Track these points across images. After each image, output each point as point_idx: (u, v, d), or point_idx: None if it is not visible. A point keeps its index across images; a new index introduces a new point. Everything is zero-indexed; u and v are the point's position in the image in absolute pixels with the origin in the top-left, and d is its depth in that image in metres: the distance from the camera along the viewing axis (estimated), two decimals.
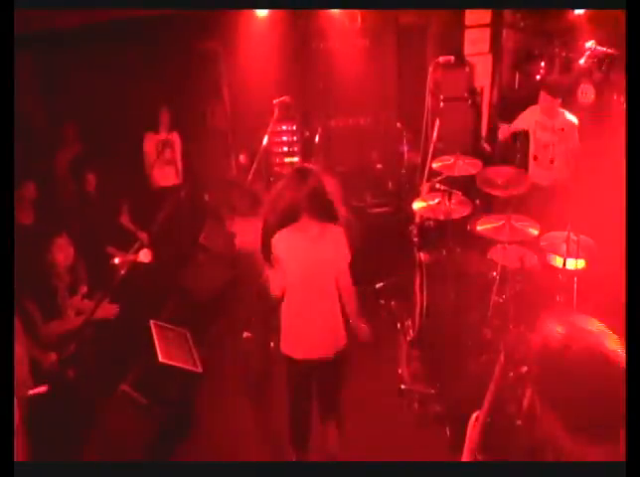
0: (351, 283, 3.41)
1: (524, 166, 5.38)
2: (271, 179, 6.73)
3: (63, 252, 4.20)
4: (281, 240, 3.23)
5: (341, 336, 3.46)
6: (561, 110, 5.22)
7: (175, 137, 6.45)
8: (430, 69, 6.57)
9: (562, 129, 5.21)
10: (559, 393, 1.40)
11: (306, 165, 3.42)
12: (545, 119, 5.26)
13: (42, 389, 3.42)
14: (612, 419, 1.36)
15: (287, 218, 3.20)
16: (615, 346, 1.37)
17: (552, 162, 5.34)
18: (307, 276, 3.29)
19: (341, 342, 3.46)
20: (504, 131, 5.71)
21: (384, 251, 5.80)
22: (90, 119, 6.30)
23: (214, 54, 7.04)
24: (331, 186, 3.19)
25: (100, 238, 5.22)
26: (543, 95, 5.21)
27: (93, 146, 6.19)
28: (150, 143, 6.35)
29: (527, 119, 5.42)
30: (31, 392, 3.38)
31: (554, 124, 5.23)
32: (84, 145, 6.18)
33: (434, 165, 4.96)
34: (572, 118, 5.20)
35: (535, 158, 5.43)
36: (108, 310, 4.33)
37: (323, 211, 3.19)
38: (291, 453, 3.73)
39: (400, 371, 4.54)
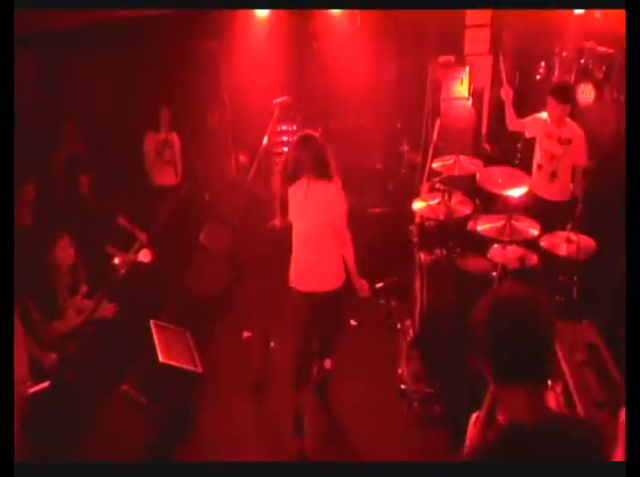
0: (347, 232, 3.92)
1: (525, 169, 5.22)
2: (271, 179, 6.75)
3: (64, 253, 4.20)
4: (291, 194, 3.89)
5: (339, 275, 3.98)
6: (570, 121, 4.93)
7: (174, 137, 6.45)
8: (430, 69, 6.58)
9: (570, 141, 4.90)
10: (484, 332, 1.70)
11: (309, 132, 4.00)
12: (552, 128, 4.96)
13: (44, 384, 3.42)
14: (532, 355, 1.59)
15: (294, 175, 3.88)
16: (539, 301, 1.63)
17: (554, 176, 5.05)
18: (309, 223, 3.89)
19: (339, 280, 3.98)
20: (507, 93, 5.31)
21: (384, 251, 5.81)
22: (89, 119, 6.30)
23: (214, 54, 7.04)
24: (329, 150, 3.87)
25: (100, 239, 5.22)
26: (551, 102, 4.89)
27: (92, 146, 6.20)
28: (150, 143, 6.36)
29: (534, 125, 5.14)
30: (32, 389, 3.39)
31: (560, 134, 4.93)
32: (82, 145, 6.18)
33: (434, 165, 4.96)
34: (580, 131, 4.89)
35: (539, 167, 5.15)
36: (107, 309, 4.33)
37: (322, 170, 3.80)
38: (293, 394, 4.08)
39: (399, 371, 4.54)
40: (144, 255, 4.91)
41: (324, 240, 3.90)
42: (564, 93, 4.93)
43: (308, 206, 3.84)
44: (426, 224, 5.04)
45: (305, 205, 3.84)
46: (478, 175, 4.80)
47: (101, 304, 4.16)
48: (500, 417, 1.71)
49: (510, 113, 5.33)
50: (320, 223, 3.86)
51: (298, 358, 4.06)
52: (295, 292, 3.98)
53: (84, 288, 4.46)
